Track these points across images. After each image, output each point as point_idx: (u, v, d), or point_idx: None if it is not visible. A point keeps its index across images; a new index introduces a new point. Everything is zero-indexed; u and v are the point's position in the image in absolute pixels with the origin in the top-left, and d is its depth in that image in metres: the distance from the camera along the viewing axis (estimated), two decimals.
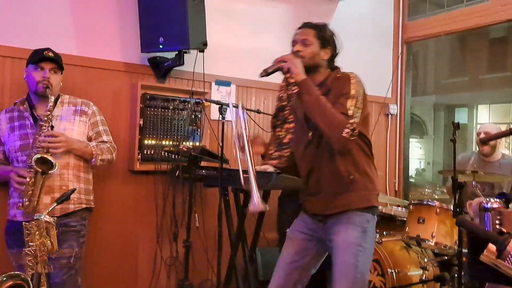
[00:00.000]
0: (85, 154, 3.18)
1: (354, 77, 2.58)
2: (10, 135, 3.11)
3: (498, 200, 1.81)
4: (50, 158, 2.88)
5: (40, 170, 2.87)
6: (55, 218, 2.40)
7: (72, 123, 3.18)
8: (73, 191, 2.53)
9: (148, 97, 3.95)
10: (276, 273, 2.74)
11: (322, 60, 2.67)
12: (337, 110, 2.44)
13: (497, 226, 1.77)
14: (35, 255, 2.29)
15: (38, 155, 2.86)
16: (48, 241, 2.31)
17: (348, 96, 2.48)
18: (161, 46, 3.81)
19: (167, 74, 4.13)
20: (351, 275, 2.49)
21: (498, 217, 1.77)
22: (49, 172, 2.89)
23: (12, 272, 2.13)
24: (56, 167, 2.90)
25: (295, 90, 2.54)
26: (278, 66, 2.55)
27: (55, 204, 2.40)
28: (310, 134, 2.62)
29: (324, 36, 2.67)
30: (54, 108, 3.08)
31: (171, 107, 4.08)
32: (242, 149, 2.49)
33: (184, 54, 3.92)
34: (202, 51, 3.95)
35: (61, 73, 3.20)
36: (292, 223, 2.83)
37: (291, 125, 2.65)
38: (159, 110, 4.01)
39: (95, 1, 3.86)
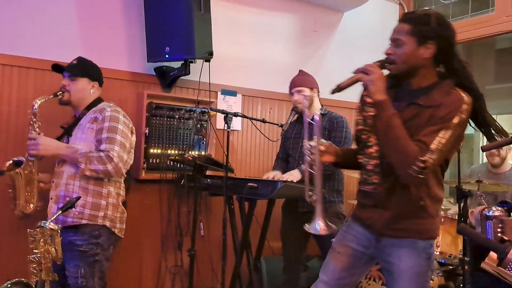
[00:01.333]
0: (73, 161, 2.94)
1: (467, 103, 2.12)
2: None
3: (500, 208, 1.81)
4: (16, 158, 2.96)
5: (5, 169, 2.93)
6: (59, 226, 2.40)
7: (83, 131, 3.05)
8: (77, 198, 2.53)
9: (154, 106, 3.97)
10: (321, 285, 2.47)
11: (422, 59, 2.21)
12: (421, 134, 2.09)
13: (499, 234, 1.76)
14: (39, 262, 2.30)
15: (9, 161, 2.95)
16: (53, 249, 2.32)
17: (446, 125, 2.08)
18: (167, 56, 3.83)
19: (173, 84, 4.16)
20: None
21: (500, 225, 1.77)
22: (16, 169, 2.94)
23: (17, 279, 2.14)
24: (24, 164, 2.96)
25: (371, 113, 2.20)
26: (357, 78, 2.22)
27: (60, 212, 2.41)
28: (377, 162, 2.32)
29: (422, 29, 2.17)
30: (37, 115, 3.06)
31: (176, 116, 4.10)
32: (312, 165, 2.33)
33: (190, 64, 3.94)
34: (208, 60, 3.97)
35: (89, 80, 3.15)
36: (338, 233, 2.56)
37: (373, 149, 2.28)
38: (165, 119, 4.04)
39: (102, 10, 3.90)
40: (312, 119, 2.42)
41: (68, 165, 2.99)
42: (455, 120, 2.08)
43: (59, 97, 3.07)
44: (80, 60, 3.17)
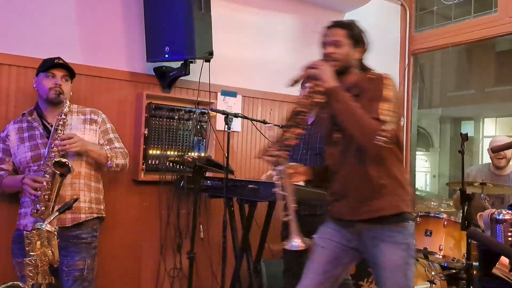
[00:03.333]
0: (101, 157, 3.15)
1: (388, 78, 2.46)
2: (20, 146, 3.08)
3: (510, 211, 1.77)
4: (65, 161, 2.83)
5: (59, 172, 2.81)
6: (56, 228, 2.36)
7: (83, 132, 3.16)
8: (75, 200, 2.50)
9: (153, 106, 3.92)
10: (306, 280, 2.65)
11: (354, 60, 2.57)
12: (369, 115, 2.31)
13: (510, 239, 1.72)
14: (36, 265, 2.26)
15: (56, 159, 2.82)
16: (49, 251, 2.27)
17: (382, 99, 2.36)
18: (166, 56, 3.79)
19: (173, 84, 4.12)
20: None
21: (511, 229, 1.73)
22: (68, 174, 2.85)
23: (12, 282, 2.10)
24: (73, 170, 2.86)
25: (318, 99, 2.37)
26: (307, 73, 2.43)
27: (57, 213, 2.37)
28: (337, 135, 2.53)
29: (355, 35, 2.58)
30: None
31: (176, 117, 4.05)
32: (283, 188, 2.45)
33: (190, 64, 3.90)
34: (208, 61, 3.93)
35: (71, 82, 3.20)
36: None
37: (300, 131, 2.38)
38: (164, 120, 3.99)
39: (101, 10, 3.85)
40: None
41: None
42: (385, 92, 2.36)
43: (59, 96, 3.04)
44: (64, 61, 3.18)
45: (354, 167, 2.47)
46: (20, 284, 2.08)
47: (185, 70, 3.90)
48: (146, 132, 3.89)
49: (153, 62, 3.96)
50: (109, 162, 3.17)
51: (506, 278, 1.51)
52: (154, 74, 4.04)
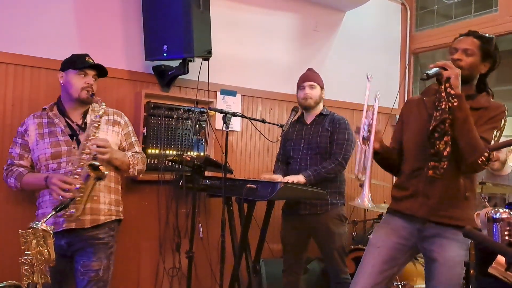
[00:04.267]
0: (124, 164, 3.15)
1: (505, 111, 2.55)
2: (40, 142, 3.03)
3: (507, 210, 1.75)
4: (100, 164, 2.82)
5: (95, 176, 2.81)
6: (52, 227, 2.34)
7: (106, 133, 3.13)
8: (71, 200, 2.49)
9: (152, 105, 3.92)
10: (363, 279, 2.67)
11: (478, 73, 2.60)
12: (479, 133, 2.42)
13: (506, 238, 1.70)
14: (32, 264, 2.24)
15: (93, 162, 2.80)
16: (45, 250, 2.26)
17: (496, 127, 2.49)
18: (165, 54, 3.78)
19: (172, 83, 4.11)
20: None
21: (508, 228, 1.71)
22: (101, 180, 2.88)
23: (8, 282, 2.08)
24: (106, 176, 2.87)
25: (456, 103, 2.41)
26: (439, 71, 2.44)
27: (53, 212, 2.36)
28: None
29: (488, 49, 2.57)
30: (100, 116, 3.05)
31: (175, 116, 4.04)
32: (365, 141, 2.57)
33: (189, 63, 3.89)
34: (207, 59, 3.92)
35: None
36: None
37: (449, 137, 2.48)
38: (163, 119, 3.98)
39: (100, 9, 3.85)
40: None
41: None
42: (501, 122, 2.48)
43: (92, 96, 3.06)
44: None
45: (448, 173, 2.50)
46: (15, 283, 2.07)
47: (183, 69, 3.89)
48: (145, 131, 3.88)
49: (151, 61, 3.94)
50: (131, 169, 3.20)
51: (502, 278, 1.49)
52: (152, 73, 4.03)
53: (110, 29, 3.89)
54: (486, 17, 5.10)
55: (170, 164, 3.99)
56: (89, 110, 3.16)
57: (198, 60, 3.92)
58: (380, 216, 4.55)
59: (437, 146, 2.50)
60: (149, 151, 3.92)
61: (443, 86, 2.47)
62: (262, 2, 4.73)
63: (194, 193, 3.90)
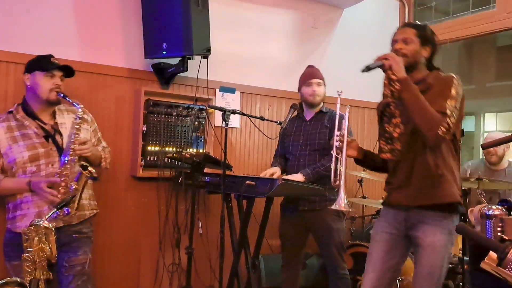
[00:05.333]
0: (97, 158, 3.27)
1: (456, 79, 2.63)
2: (13, 146, 2.97)
3: (500, 207, 1.78)
4: (88, 165, 2.96)
5: (88, 176, 2.92)
6: (53, 224, 2.38)
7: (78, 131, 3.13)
8: (72, 197, 2.52)
9: (151, 103, 3.94)
10: (369, 274, 2.81)
11: (422, 57, 2.74)
12: (434, 108, 2.51)
13: (499, 234, 1.74)
14: (34, 260, 2.28)
15: (83, 163, 2.94)
16: (47, 247, 2.29)
17: (448, 96, 2.55)
18: (164, 52, 3.80)
19: (171, 80, 4.13)
20: (437, 275, 2.64)
21: (500, 224, 1.75)
22: (95, 180, 3.02)
23: (10, 278, 2.11)
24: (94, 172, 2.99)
25: (398, 87, 2.59)
26: (381, 63, 2.63)
27: (55, 209, 2.39)
28: (403, 127, 2.71)
29: (425, 35, 2.74)
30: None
31: (174, 114, 4.06)
32: (338, 150, 2.74)
33: (188, 61, 3.91)
34: (206, 57, 3.94)
35: None
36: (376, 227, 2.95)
37: (398, 119, 2.72)
38: (163, 116, 4.00)
39: (99, 7, 3.87)
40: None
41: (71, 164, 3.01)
42: (453, 91, 2.56)
43: (62, 97, 3.07)
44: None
45: (417, 158, 2.68)
46: (18, 280, 2.09)
47: (183, 66, 3.91)
48: (144, 128, 3.91)
49: (151, 58, 3.97)
50: (104, 162, 3.34)
51: (494, 273, 1.52)
52: (152, 70, 4.06)
53: (109, 27, 3.91)
54: (483, 14, 5.11)
55: (169, 161, 4.01)
56: (56, 110, 3.17)
57: (197, 58, 3.95)
58: (378, 212, 4.58)
59: (388, 129, 2.76)
60: (149, 148, 3.94)
61: (386, 75, 2.71)
62: (260, 0, 4.75)
63: (194, 189, 3.93)
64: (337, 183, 2.71)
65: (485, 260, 1.52)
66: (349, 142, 2.79)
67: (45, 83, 3.03)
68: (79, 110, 3.02)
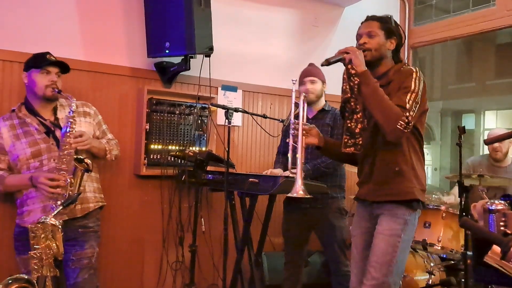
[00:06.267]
0: (101, 151, 3.28)
1: (416, 72, 2.60)
2: (16, 143, 3.06)
3: (502, 202, 1.81)
4: (84, 158, 2.95)
5: (83, 169, 2.91)
6: (60, 222, 2.40)
7: (79, 124, 3.16)
8: (78, 194, 2.53)
9: (154, 102, 3.96)
10: (353, 271, 2.85)
11: (387, 50, 2.73)
12: (394, 102, 2.50)
13: (502, 228, 1.76)
14: (41, 258, 2.30)
15: (78, 156, 2.94)
16: (54, 244, 2.31)
17: (408, 90, 2.53)
18: (167, 51, 3.82)
19: (173, 79, 4.15)
20: (386, 264, 2.61)
21: (503, 219, 1.77)
22: (89, 172, 2.99)
23: (17, 275, 2.13)
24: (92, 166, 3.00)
25: (357, 81, 2.57)
26: (341, 56, 2.60)
27: (61, 207, 2.41)
28: (365, 122, 2.67)
29: (389, 27, 2.73)
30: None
31: (177, 112, 4.08)
32: (294, 138, 2.71)
33: (190, 59, 3.93)
34: (208, 56, 3.96)
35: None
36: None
37: (360, 114, 2.65)
38: (165, 115, 4.03)
39: (102, 6, 3.89)
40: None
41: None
42: (413, 84, 2.54)
43: (56, 93, 3.09)
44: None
45: (378, 154, 2.70)
46: (26, 277, 2.11)
47: (185, 65, 3.93)
48: (147, 127, 3.93)
49: (154, 57, 3.99)
50: (108, 155, 3.35)
51: (497, 266, 1.55)
52: (155, 69, 4.08)
53: (112, 27, 3.93)
54: (484, 11, 5.12)
55: (172, 159, 4.03)
56: (58, 106, 3.22)
57: (199, 57, 3.96)
58: None
59: (349, 125, 2.68)
60: (152, 146, 3.96)
61: (345, 69, 2.64)
62: None
63: (197, 187, 3.95)
64: (294, 170, 2.68)
65: (489, 254, 1.55)
66: (309, 130, 2.78)
67: (41, 80, 3.08)
68: (73, 104, 3.01)
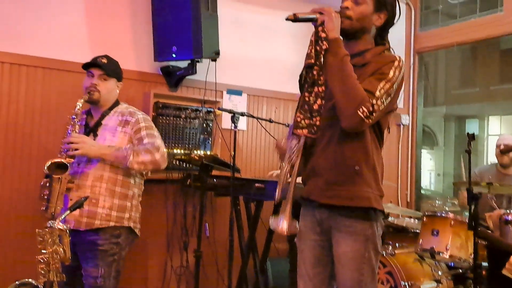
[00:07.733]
0: (118, 159, 2.92)
1: (399, 61, 2.18)
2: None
3: None
4: (63, 160, 2.78)
5: (48, 173, 2.76)
6: (68, 226, 2.37)
7: (113, 134, 3.01)
8: (86, 198, 2.49)
9: (160, 105, 3.95)
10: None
11: (371, 25, 2.27)
12: (363, 86, 2.07)
13: None
14: (48, 262, 2.28)
15: (48, 162, 2.77)
16: (61, 249, 2.29)
17: (383, 77, 2.11)
18: (174, 55, 3.81)
19: (180, 83, 4.14)
20: None
21: None
22: (62, 175, 2.75)
23: (24, 280, 2.11)
24: (69, 169, 2.77)
25: (325, 47, 2.11)
26: (313, 16, 2.16)
27: (68, 211, 2.38)
28: (327, 97, 2.17)
29: None
30: (78, 112, 3.00)
31: (183, 116, 4.07)
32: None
33: (197, 63, 3.92)
34: (214, 60, 3.95)
35: (117, 81, 3.14)
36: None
37: (322, 88, 2.13)
38: (171, 118, 4.01)
39: (109, 10, 3.88)
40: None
41: (94, 167, 2.93)
42: (391, 73, 2.12)
43: (91, 95, 2.98)
44: (110, 59, 3.09)
45: (332, 145, 2.21)
46: (33, 282, 2.10)
47: (192, 69, 3.92)
48: None
49: (160, 61, 3.98)
50: (127, 162, 2.90)
51: None
52: (161, 73, 4.07)
53: (120, 31, 3.92)
54: (491, 17, 5.10)
55: (178, 163, 4.01)
56: (111, 111, 3.08)
57: (205, 61, 3.96)
58: (387, 214, 4.53)
59: (307, 99, 2.16)
60: None
61: (314, 31, 2.18)
62: (267, 3, 4.74)
63: (202, 192, 3.92)
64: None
65: (506, 265, 1.52)
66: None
67: (85, 82, 3.03)
68: (76, 108, 2.93)
